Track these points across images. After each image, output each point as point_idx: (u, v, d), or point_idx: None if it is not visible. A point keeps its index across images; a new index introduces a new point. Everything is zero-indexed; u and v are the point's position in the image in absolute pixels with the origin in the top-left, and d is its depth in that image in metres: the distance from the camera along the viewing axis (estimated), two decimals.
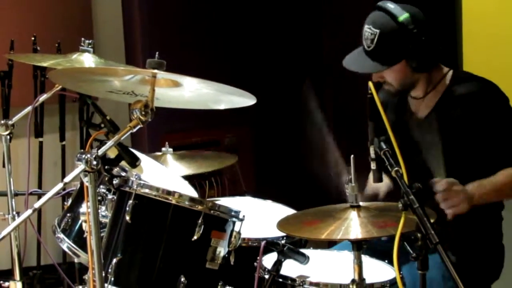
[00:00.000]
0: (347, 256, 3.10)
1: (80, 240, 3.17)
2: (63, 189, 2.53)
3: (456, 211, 3.03)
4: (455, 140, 3.22)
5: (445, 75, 3.33)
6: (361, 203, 2.82)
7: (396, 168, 2.48)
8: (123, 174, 2.91)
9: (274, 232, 3.02)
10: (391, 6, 3.17)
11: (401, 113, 3.39)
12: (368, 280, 2.79)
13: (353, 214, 2.78)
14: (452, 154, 3.23)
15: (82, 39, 3.47)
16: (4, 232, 2.50)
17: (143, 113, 2.53)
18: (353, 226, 2.72)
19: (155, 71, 2.58)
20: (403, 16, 3.14)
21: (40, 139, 5.17)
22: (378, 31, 3.17)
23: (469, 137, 3.20)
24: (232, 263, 2.88)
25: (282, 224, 2.92)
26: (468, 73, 3.37)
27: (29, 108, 3.38)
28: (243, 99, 2.81)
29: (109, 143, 2.51)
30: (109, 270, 2.76)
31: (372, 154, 2.61)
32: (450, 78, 3.32)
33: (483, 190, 3.12)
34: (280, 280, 2.91)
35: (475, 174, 3.20)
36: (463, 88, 3.25)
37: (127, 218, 2.78)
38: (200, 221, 2.76)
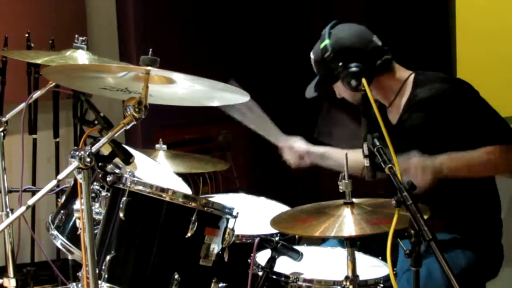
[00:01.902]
0: (341, 253, 3.11)
1: (74, 237, 3.17)
2: (57, 186, 2.53)
3: (419, 184, 3.04)
4: (423, 145, 3.22)
5: (406, 79, 3.33)
6: (354, 200, 2.83)
7: (390, 165, 2.49)
8: (117, 171, 2.91)
9: (268, 229, 3.02)
10: (323, 32, 3.31)
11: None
12: (362, 277, 2.80)
13: (346, 211, 2.78)
14: None
15: (76, 36, 3.46)
16: None
17: (136, 110, 2.52)
18: (347, 223, 2.72)
19: (149, 68, 2.58)
20: (323, 43, 3.28)
21: (34, 136, 5.16)
22: (312, 56, 3.37)
23: (437, 141, 3.19)
24: (226, 260, 2.88)
25: (276, 221, 2.92)
26: (432, 74, 3.34)
27: (23, 105, 3.38)
28: (237, 96, 2.81)
29: (103, 140, 2.51)
30: (103, 267, 2.76)
31: (365, 150, 2.61)
32: (412, 82, 3.32)
33: (453, 163, 3.10)
34: (274, 277, 2.91)
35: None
36: (424, 92, 3.23)
37: (121, 215, 2.78)
38: (193, 218, 2.76)
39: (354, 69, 3.17)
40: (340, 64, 3.20)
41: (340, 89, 3.37)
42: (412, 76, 3.33)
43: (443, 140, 3.19)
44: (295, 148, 3.74)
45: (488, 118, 3.20)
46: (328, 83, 3.38)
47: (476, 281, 3.31)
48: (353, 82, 3.18)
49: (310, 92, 3.47)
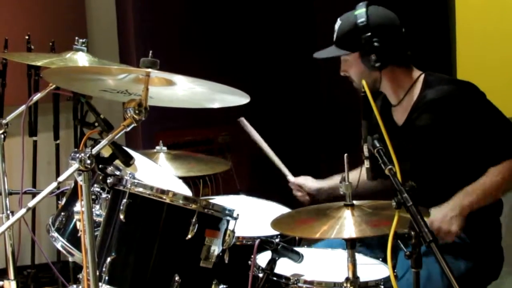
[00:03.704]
0: (341, 254, 3.11)
1: (74, 239, 3.17)
2: (57, 188, 2.53)
3: (451, 237, 3.11)
4: (431, 146, 3.23)
5: (416, 79, 3.34)
6: (355, 202, 2.83)
7: (390, 166, 2.49)
8: (117, 173, 2.91)
9: (268, 231, 3.02)
10: (360, 3, 3.30)
11: (384, 121, 3.39)
12: (362, 278, 2.80)
13: (347, 213, 2.78)
14: (429, 160, 3.24)
15: (76, 38, 3.46)
16: None
17: (136, 112, 2.53)
18: (347, 225, 2.72)
19: (149, 70, 2.58)
20: (358, 10, 3.26)
21: (34, 138, 5.16)
22: (340, 21, 3.32)
23: (445, 143, 3.20)
24: (226, 261, 2.88)
25: (276, 223, 2.92)
26: (440, 75, 3.35)
27: (23, 107, 3.38)
28: (237, 98, 2.81)
29: (103, 142, 2.51)
30: (103, 269, 2.76)
31: (365, 152, 2.61)
32: (421, 82, 3.32)
33: (471, 198, 3.15)
34: (274, 278, 2.91)
35: (456, 178, 3.20)
36: (433, 93, 3.24)
37: (121, 217, 2.78)
38: (194, 219, 2.76)
39: (378, 44, 3.17)
40: (369, 34, 3.19)
41: (350, 64, 3.33)
42: (422, 76, 3.33)
43: (451, 142, 3.19)
44: (305, 187, 3.81)
45: (494, 122, 3.20)
46: (346, 50, 3.32)
47: (477, 285, 3.31)
48: (373, 57, 3.17)
49: (320, 54, 3.43)
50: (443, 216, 3.12)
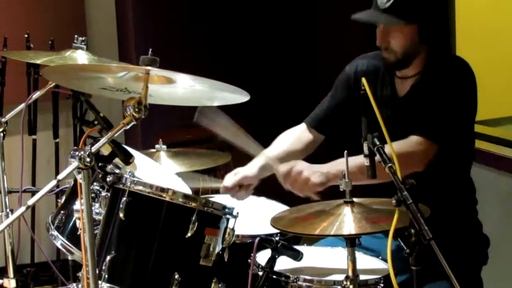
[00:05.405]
0: (341, 253, 3.11)
1: (74, 238, 3.17)
2: (57, 186, 2.54)
3: (308, 191, 3.10)
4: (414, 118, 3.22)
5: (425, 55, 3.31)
6: (354, 199, 2.82)
7: (390, 164, 2.49)
8: (117, 171, 2.90)
9: (268, 229, 3.01)
10: None
11: (385, 91, 3.37)
12: (362, 277, 2.80)
13: (346, 210, 2.78)
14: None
15: (75, 36, 3.46)
16: None
17: (136, 110, 2.52)
18: (347, 221, 2.72)
19: (148, 68, 2.58)
20: None
21: (34, 137, 5.16)
22: None
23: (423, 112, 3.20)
24: (226, 260, 2.88)
25: (276, 220, 2.92)
26: (442, 53, 3.35)
27: (22, 106, 3.38)
28: (237, 96, 2.81)
29: (103, 140, 2.51)
30: (103, 267, 2.76)
31: (365, 150, 2.61)
32: (427, 58, 3.29)
33: (340, 167, 2.92)
34: (274, 276, 2.91)
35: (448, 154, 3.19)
36: (437, 69, 3.25)
37: (121, 215, 2.78)
38: (193, 218, 2.76)
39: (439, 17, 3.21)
40: (434, 8, 3.22)
41: (402, 34, 3.21)
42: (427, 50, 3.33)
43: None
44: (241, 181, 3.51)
45: (455, 108, 3.20)
46: (408, 18, 3.18)
47: (469, 272, 3.28)
48: (432, 31, 3.20)
49: (369, 17, 3.27)
50: (309, 166, 3.13)
